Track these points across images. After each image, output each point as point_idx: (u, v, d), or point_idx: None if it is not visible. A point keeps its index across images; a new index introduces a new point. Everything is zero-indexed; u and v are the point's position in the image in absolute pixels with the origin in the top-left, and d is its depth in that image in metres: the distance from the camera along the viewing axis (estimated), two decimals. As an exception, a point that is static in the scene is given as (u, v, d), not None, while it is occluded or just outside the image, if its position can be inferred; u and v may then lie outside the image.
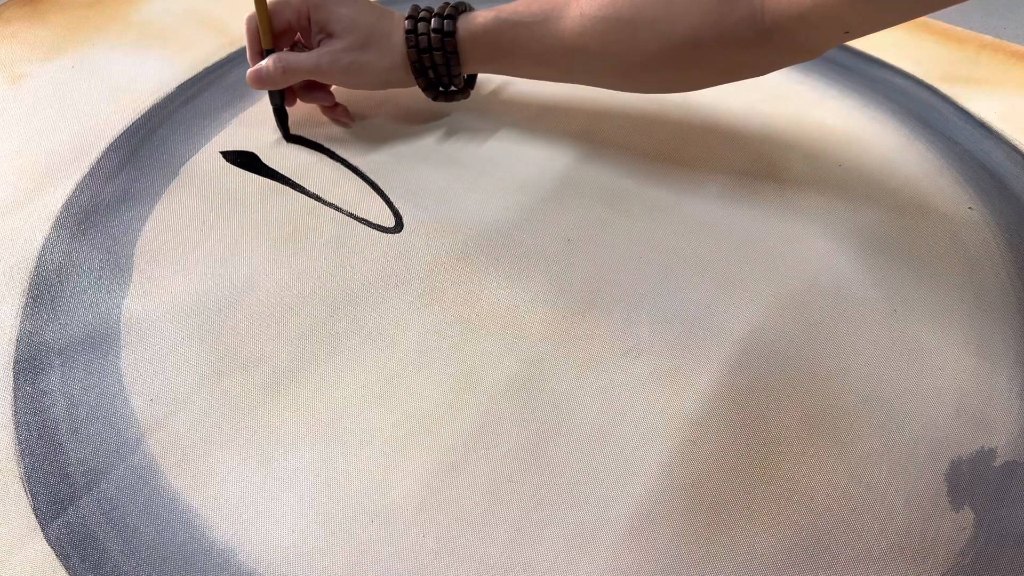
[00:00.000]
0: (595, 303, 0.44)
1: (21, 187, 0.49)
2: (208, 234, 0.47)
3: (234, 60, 0.60)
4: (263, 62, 0.50)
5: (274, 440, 0.37)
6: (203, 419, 0.38)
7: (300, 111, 0.56)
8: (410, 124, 0.56)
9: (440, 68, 0.50)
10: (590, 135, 0.55)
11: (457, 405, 0.39)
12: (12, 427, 0.37)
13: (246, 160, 0.52)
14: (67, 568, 0.33)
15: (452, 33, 0.49)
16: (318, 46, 0.50)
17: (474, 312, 0.43)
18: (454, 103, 0.56)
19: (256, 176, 0.51)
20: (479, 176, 0.52)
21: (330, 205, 0.49)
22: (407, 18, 0.50)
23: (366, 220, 0.48)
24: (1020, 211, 0.51)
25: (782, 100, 0.58)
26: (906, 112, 0.59)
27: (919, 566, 0.34)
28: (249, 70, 0.50)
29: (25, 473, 0.36)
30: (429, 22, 0.49)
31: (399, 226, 0.48)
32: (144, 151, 0.52)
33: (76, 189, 0.49)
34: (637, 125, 0.56)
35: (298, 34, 0.52)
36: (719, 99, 0.57)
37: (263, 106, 0.56)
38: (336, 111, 0.55)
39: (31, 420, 0.37)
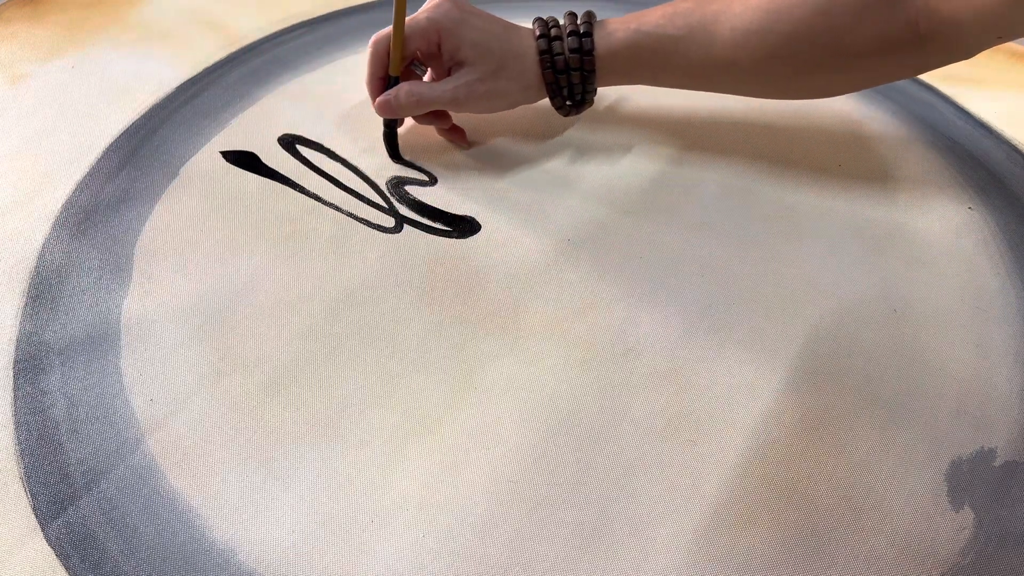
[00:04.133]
0: (595, 303, 0.44)
1: (21, 187, 0.49)
2: (208, 234, 0.47)
3: (234, 60, 0.60)
4: (393, 91, 0.48)
5: (274, 440, 0.37)
6: (203, 419, 0.38)
7: (297, 112, 0.56)
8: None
9: (576, 87, 0.49)
10: (590, 135, 0.55)
11: (457, 405, 0.39)
12: (12, 427, 0.37)
13: (246, 160, 0.52)
14: (67, 568, 0.33)
15: (591, 51, 0.47)
16: (447, 73, 0.48)
17: (474, 312, 0.44)
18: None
19: (256, 176, 0.51)
20: (479, 176, 0.52)
21: (330, 205, 0.49)
22: (539, 37, 0.48)
23: (366, 220, 0.48)
24: (1020, 211, 0.51)
25: (782, 100, 0.58)
26: (906, 112, 0.59)
27: (919, 566, 0.34)
28: (378, 99, 0.49)
29: (25, 473, 0.36)
30: (563, 40, 0.47)
31: (399, 226, 0.48)
32: (144, 151, 0.52)
33: (76, 189, 0.49)
34: (637, 124, 0.56)
35: (418, 54, 0.49)
36: (719, 99, 0.57)
37: (263, 106, 0.56)
38: (453, 133, 0.53)
39: (31, 420, 0.37)
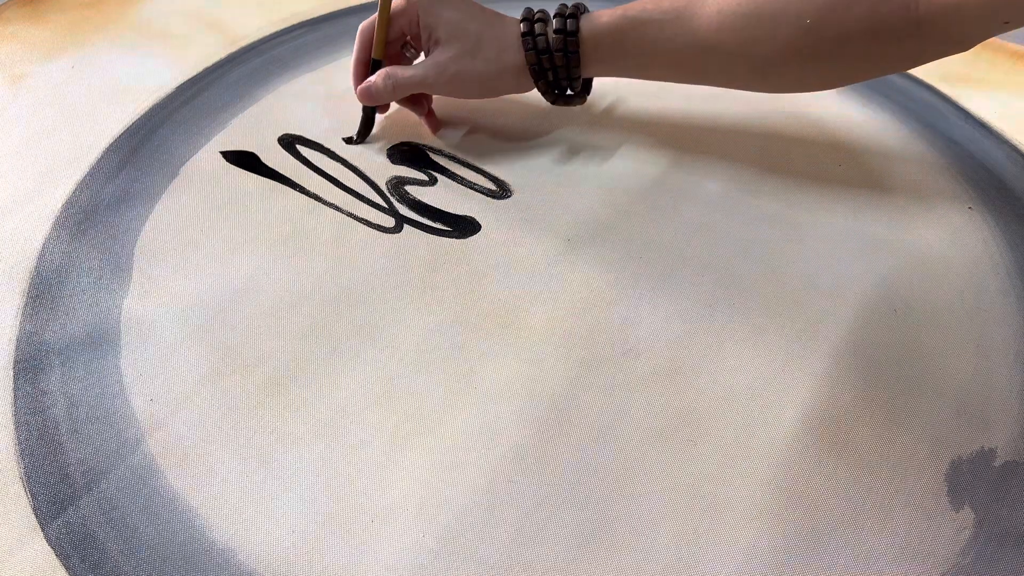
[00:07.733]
0: (595, 303, 0.44)
1: (21, 187, 0.49)
2: (208, 234, 0.47)
3: (234, 60, 0.60)
4: (372, 78, 0.49)
5: (274, 440, 0.37)
6: (203, 419, 0.38)
7: (297, 112, 0.55)
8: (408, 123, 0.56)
9: (560, 70, 0.48)
10: (590, 135, 0.55)
11: (457, 405, 0.39)
12: (12, 427, 0.37)
13: (246, 160, 0.52)
14: (67, 568, 0.33)
15: (575, 32, 0.47)
16: (428, 54, 0.49)
17: (474, 312, 0.43)
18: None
19: (256, 176, 0.51)
20: (479, 176, 0.52)
21: (330, 205, 0.49)
22: (522, 20, 0.48)
23: (366, 220, 0.48)
24: (1020, 211, 0.51)
25: (782, 100, 0.58)
26: (906, 112, 0.59)
27: (919, 566, 0.34)
28: (360, 86, 0.50)
29: (25, 473, 0.36)
30: (546, 23, 0.48)
31: (399, 226, 0.48)
32: (144, 151, 0.52)
33: (76, 189, 0.49)
34: (637, 124, 0.56)
35: (408, 38, 0.51)
36: (719, 99, 0.57)
37: (263, 106, 0.56)
38: (427, 119, 0.54)
39: (31, 420, 0.37)
